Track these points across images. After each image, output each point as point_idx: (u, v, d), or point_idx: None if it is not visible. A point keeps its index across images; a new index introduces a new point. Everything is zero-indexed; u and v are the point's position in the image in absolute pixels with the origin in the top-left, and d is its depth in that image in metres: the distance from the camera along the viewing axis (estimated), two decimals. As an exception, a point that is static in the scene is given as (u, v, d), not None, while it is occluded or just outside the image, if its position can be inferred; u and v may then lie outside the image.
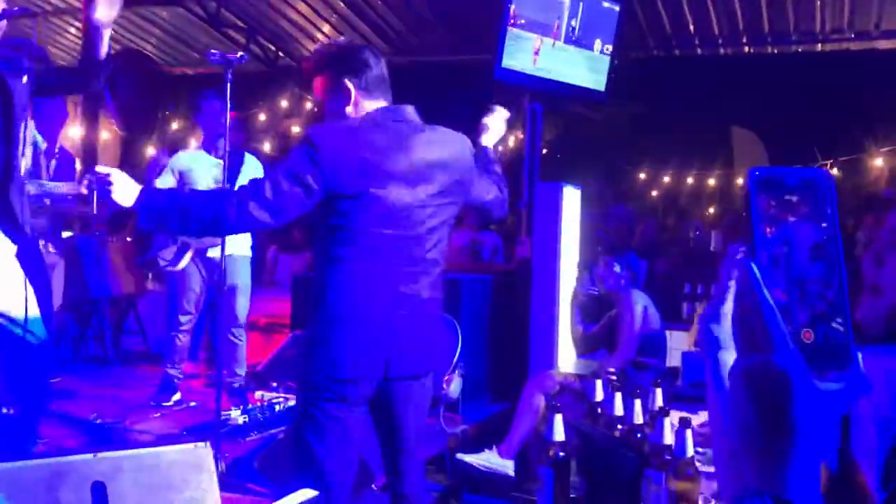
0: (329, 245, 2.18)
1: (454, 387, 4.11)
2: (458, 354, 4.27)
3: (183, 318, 4.87)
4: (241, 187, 2.13)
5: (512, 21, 5.03)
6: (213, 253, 4.73)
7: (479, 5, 7.31)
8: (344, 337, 2.14)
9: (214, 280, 4.75)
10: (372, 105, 2.24)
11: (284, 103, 9.12)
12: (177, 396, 4.90)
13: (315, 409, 2.18)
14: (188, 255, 4.79)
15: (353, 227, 2.14)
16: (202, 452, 2.62)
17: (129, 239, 6.31)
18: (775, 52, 7.96)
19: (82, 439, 3.97)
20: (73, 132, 7.33)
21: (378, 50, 2.38)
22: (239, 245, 4.80)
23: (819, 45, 7.74)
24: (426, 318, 2.25)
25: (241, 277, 4.83)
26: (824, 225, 0.69)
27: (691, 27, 7.64)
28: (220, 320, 4.22)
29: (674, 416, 1.74)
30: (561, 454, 1.74)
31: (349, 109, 2.25)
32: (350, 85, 2.24)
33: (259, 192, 2.09)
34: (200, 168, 4.76)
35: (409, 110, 2.29)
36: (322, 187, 2.10)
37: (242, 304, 4.85)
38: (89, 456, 2.38)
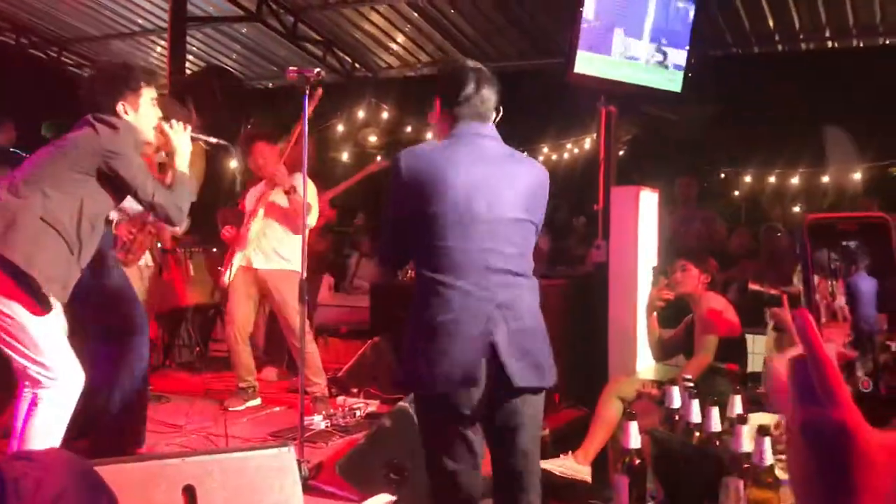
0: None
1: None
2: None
3: (229, 329, 5.04)
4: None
5: (586, 23, 4.97)
6: (259, 265, 4.93)
7: (551, 9, 7.31)
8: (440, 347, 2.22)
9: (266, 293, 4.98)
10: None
11: (361, 114, 9.27)
12: (251, 403, 5.00)
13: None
14: (231, 270, 4.96)
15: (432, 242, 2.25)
16: (286, 457, 2.69)
17: (214, 250, 6.51)
18: (861, 45, 7.69)
19: (172, 443, 4.12)
20: (159, 147, 7.63)
21: (473, 69, 2.46)
22: (285, 259, 4.92)
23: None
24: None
25: (287, 291, 4.74)
26: (887, 273, 0.66)
27: (771, 22, 7.45)
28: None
29: (753, 423, 1.71)
30: (637, 461, 1.74)
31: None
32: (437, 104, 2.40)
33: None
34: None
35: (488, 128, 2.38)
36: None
37: (292, 317, 4.66)
38: (179, 459, 2.49)
